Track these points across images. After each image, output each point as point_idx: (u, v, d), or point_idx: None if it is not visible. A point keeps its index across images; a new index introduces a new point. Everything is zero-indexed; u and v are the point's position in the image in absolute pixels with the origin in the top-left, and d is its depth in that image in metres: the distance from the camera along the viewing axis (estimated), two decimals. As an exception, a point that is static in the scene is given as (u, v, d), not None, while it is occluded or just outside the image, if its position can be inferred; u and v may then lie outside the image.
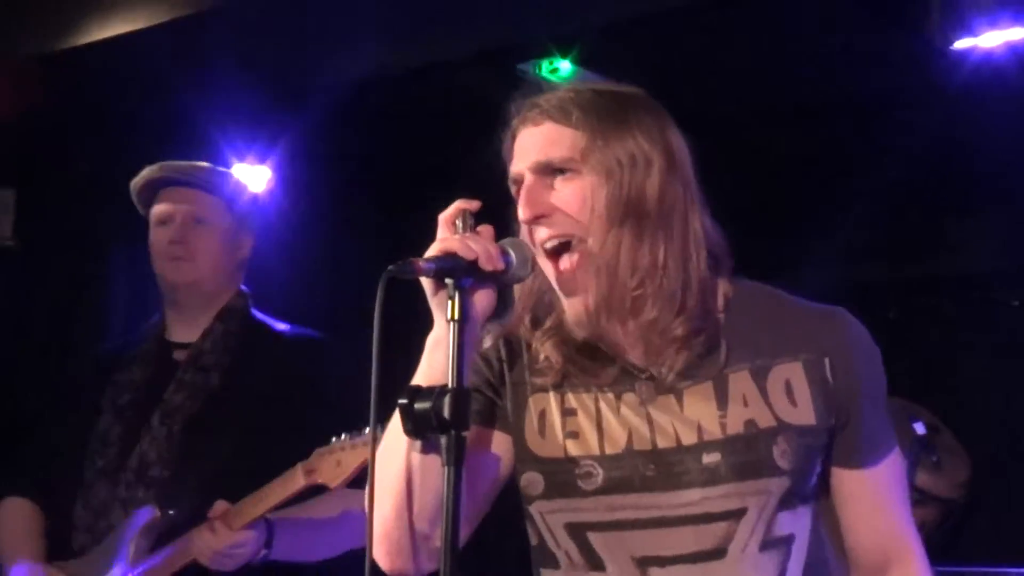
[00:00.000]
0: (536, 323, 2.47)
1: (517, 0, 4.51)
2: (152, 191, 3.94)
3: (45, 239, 5.79)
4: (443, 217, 2.35)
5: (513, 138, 2.44)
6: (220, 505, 3.42)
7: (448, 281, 2.22)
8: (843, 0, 4.90)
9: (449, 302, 2.20)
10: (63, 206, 5.79)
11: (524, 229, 2.41)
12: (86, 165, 5.65)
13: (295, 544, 3.53)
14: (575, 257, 2.35)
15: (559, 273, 2.37)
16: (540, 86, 2.48)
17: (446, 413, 2.12)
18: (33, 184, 5.66)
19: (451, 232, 2.32)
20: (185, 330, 3.86)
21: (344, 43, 4.73)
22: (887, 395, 2.49)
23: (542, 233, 2.37)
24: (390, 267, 2.17)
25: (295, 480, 3.38)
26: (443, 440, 2.13)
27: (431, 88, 5.39)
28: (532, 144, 2.39)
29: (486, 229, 2.33)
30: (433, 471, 2.20)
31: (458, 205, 2.34)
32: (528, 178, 2.38)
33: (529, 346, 2.49)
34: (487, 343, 2.52)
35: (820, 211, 5.98)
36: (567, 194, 2.35)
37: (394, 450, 2.30)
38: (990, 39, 4.49)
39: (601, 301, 2.34)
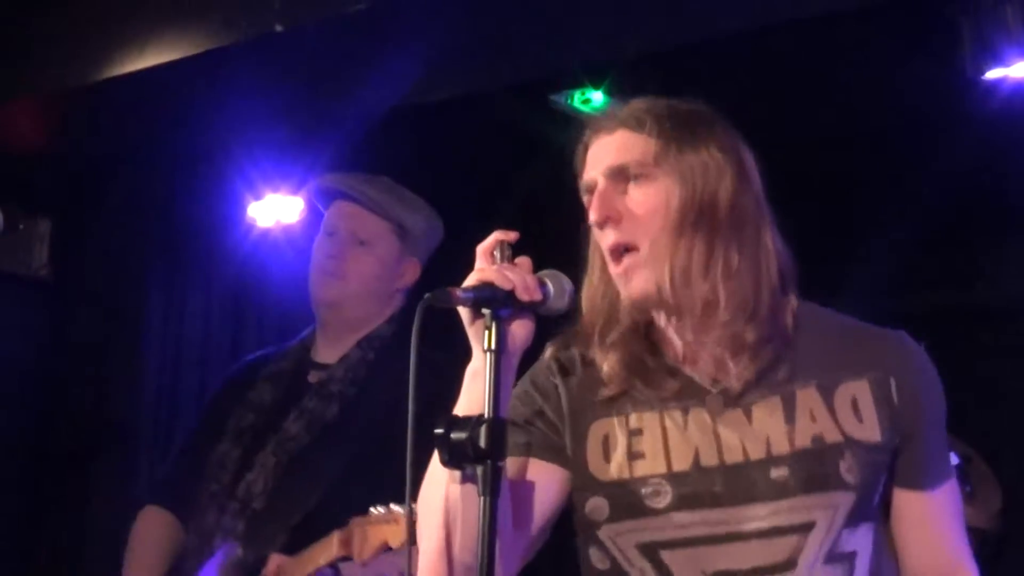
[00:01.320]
0: (603, 335, 2.49)
1: (550, 32, 4.51)
2: (328, 198, 3.89)
3: (80, 270, 5.81)
4: (481, 248, 2.37)
5: (586, 149, 2.49)
6: (275, 559, 3.37)
7: (485, 311, 2.23)
8: (875, 31, 4.90)
9: (486, 332, 2.22)
10: (99, 237, 5.81)
11: (595, 234, 2.45)
12: (121, 196, 5.68)
13: None
14: (641, 259, 2.38)
15: (625, 273, 2.40)
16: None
17: (482, 443, 2.14)
18: (69, 215, 5.68)
19: (489, 263, 2.34)
20: (328, 351, 3.80)
21: (377, 73, 4.73)
22: None
23: (610, 238, 2.41)
24: (427, 295, 2.19)
25: (330, 549, 3.34)
26: (479, 470, 2.15)
27: (465, 118, 5.40)
28: (606, 151, 2.44)
29: (524, 260, 2.35)
30: (471, 501, 2.21)
31: (496, 236, 2.37)
32: (601, 183, 2.43)
33: (588, 362, 2.51)
34: (543, 356, 2.55)
35: (853, 241, 5.97)
36: (640, 199, 2.40)
37: (436, 483, 2.31)
38: (1021, 69, 4.48)
39: (671, 302, 2.38)
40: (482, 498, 2.13)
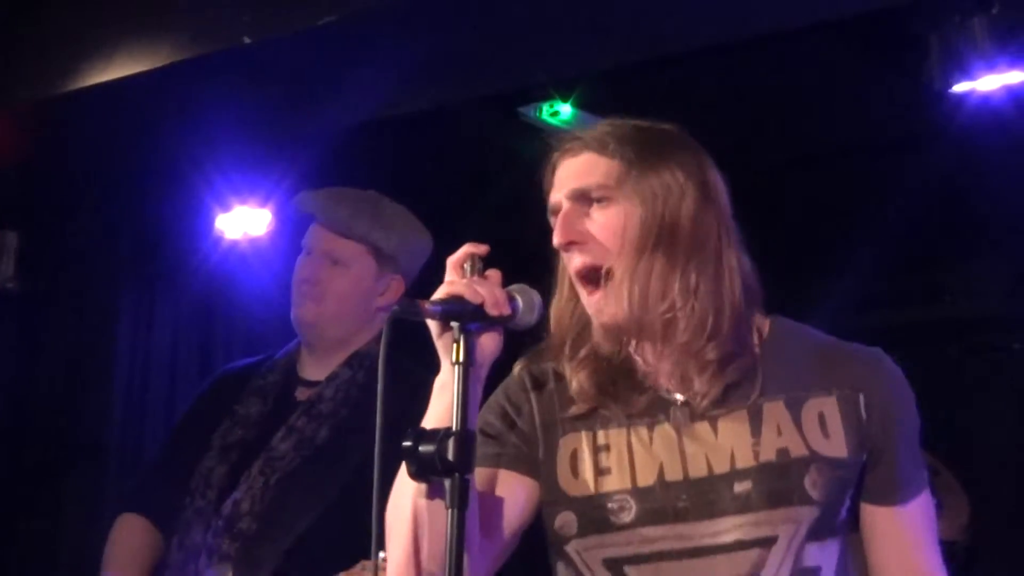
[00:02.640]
0: (572, 352, 2.50)
1: (518, 45, 4.52)
2: (301, 214, 3.86)
3: (49, 283, 5.80)
4: (451, 261, 2.38)
5: (552, 170, 2.51)
6: None
7: (454, 324, 2.24)
8: (841, 46, 4.93)
9: (454, 345, 2.22)
10: (67, 250, 5.80)
11: (563, 256, 2.47)
12: (90, 208, 5.67)
13: None
14: (607, 282, 2.40)
15: (591, 297, 2.42)
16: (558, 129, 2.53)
17: (450, 456, 2.14)
18: (37, 227, 5.67)
19: (459, 275, 2.35)
20: (315, 368, 3.76)
21: (347, 86, 4.74)
22: None
23: (576, 260, 2.44)
24: (395, 308, 2.20)
25: None
26: (447, 483, 2.15)
27: (434, 131, 5.41)
28: (570, 173, 2.46)
29: (494, 274, 2.36)
30: (441, 515, 2.21)
31: (466, 249, 2.38)
32: (565, 205, 2.45)
33: (559, 377, 2.52)
34: (515, 369, 2.56)
35: (820, 257, 6.00)
36: (601, 221, 2.42)
37: (403, 495, 2.32)
38: (988, 83, 4.51)
39: (633, 324, 2.40)
40: (450, 511, 2.13)
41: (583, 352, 2.49)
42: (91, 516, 4.44)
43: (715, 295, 2.41)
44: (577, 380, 2.48)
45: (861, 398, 2.42)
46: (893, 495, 2.45)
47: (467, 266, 2.35)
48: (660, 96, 5.24)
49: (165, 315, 5.88)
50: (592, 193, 2.44)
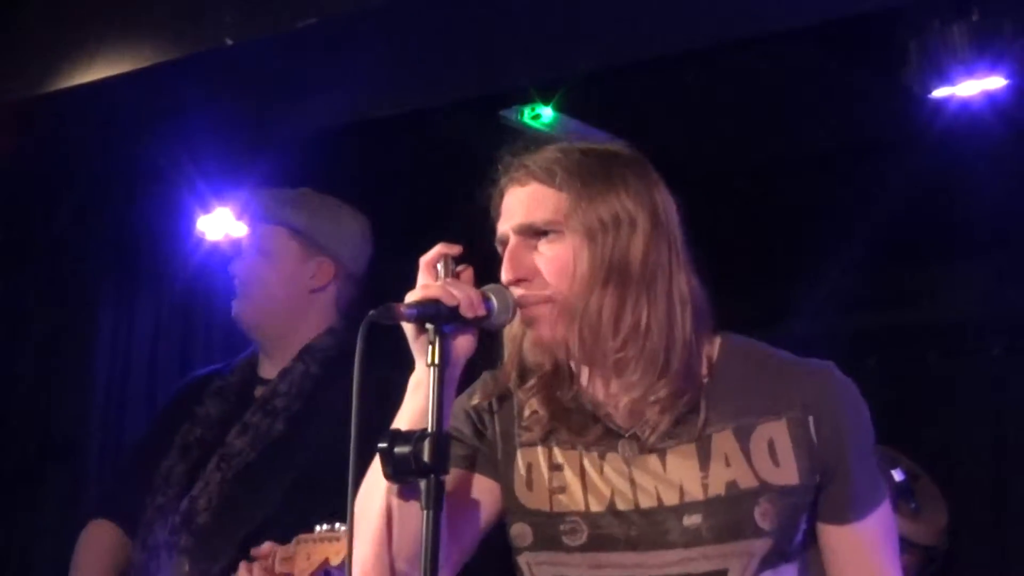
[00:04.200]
0: (523, 378, 2.49)
1: (500, 47, 4.53)
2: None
3: (28, 284, 5.79)
4: (424, 261, 2.38)
5: (501, 196, 2.48)
6: (267, 546, 3.28)
7: (429, 327, 2.24)
8: (822, 51, 4.94)
9: (429, 347, 2.22)
10: (47, 250, 5.79)
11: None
12: (70, 209, 5.66)
13: None
14: (554, 317, 2.37)
15: (530, 319, 2.40)
16: (527, 144, 2.51)
17: (425, 457, 2.15)
18: (16, 226, 5.66)
19: (432, 276, 2.35)
20: (270, 366, 3.76)
21: (327, 88, 4.75)
22: None
23: (521, 293, 2.40)
24: (371, 312, 2.20)
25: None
26: (422, 484, 2.16)
27: (414, 133, 5.42)
28: (517, 205, 2.43)
29: (467, 273, 2.37)
30: (412, 513, 2.23)
31: (440, 249, 2.38)
32: (512, 240, 2.42)
33: (517, 407, 2.51)
34: (475, 400, 2.54)
35: (801, 261, 6.01)
36: (549, 257, 2.39)
37: (374, 491, 2.32)
38: (967, 88, 4.53)
39: (583, 359, 2.39)
40: (425, 511, 2.14)
41: (534, 380, 2.48)
42: (68, 516, 4.43)
43: (666, 331, 2.39)
44: (529, 406, 2.48)
45: (811, 420, 2.40)
46: (848, 513, 2.45)
47: (440, 266, 2.35)
48: (641, 100, 5.30)
49: (146, 315, 5.87)
50: (539, 227, 2.41)
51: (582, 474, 2.43)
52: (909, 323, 6.46)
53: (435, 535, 2.12)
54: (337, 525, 3.16)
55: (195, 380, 4.00)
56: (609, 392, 2.43)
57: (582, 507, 2.41)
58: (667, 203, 2.48)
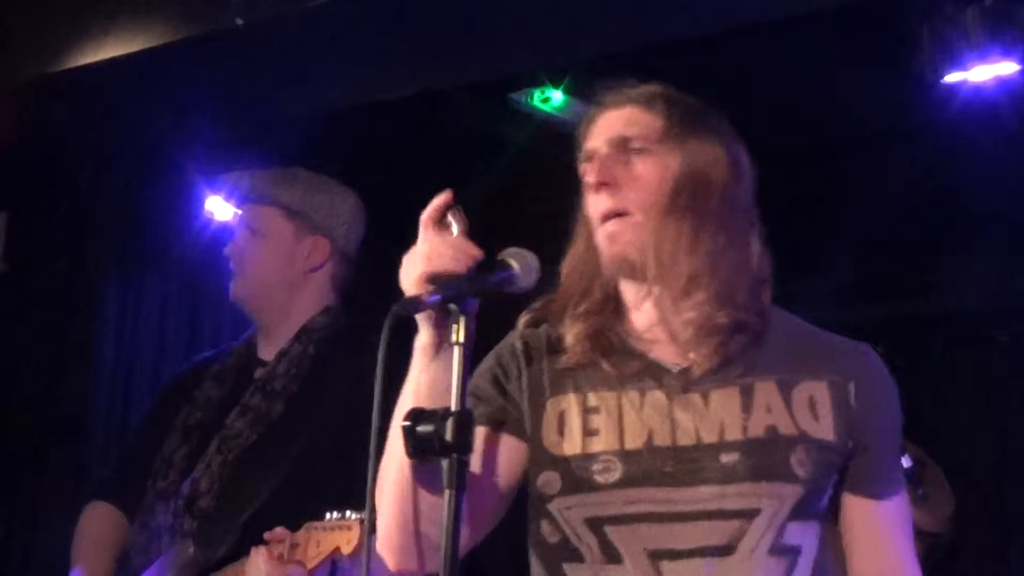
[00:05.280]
0: (575, 306, 2.53)
1: (509, 31, 4.54)
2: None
3: (37, 263, 5.81)
4: (426, 218, 2.37)
5: (590, 122, 2.55)
6: (280, 530, 3.25)
7: (453, 307, 2.24)
8: (833, 35, 4.94)
9: (454, 327, 2.22)
10: (56, 230, 5.81)
11: (589, 200, 2.49)
12: (79, 189, 5.67)
13: None
14: (630, 223, 2.44)
15: (612, 234, 2.45)
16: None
17: (448, 436, 2.15)
18: (26, 208, 5.67)
19: (435, 234, 2.34)
20: (268, 347, 3.76)
21: (336, 70, 4.75)
22: None
23: (604, 203, 2.46)
24: (395, 306, 2.19)
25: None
26: (444, 463, 2.16)
27: (424, 115, 5.43)
28: (612, 122, 2.51)
29: (457, 218, 2.36)
30: (432, 480, 2.25)
31: (440, 202, 2.37)
32: (604, 149, 2.49)
33: (553, 342, 2.54)
34: (518, 325, 2.58)
35: (810, 248, 6.01)
36: (640, 169, 2.46)
37: (396, 456, 2.33)
38: (980, 73, 4.53)
39: (656, 276, 2.43)
40: (447, 491, 2.14)
41: (584, 306, 2.52)
42: (73, 496, 4.45)
43: (738, 265, 2.46)
44: (573, 333, 2.50)
45: (852, 386, 2.46)
46: (874, 487, 2.48)
47: (452, 220, 2.34)
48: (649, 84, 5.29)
49: (153, 295, 5.88)
50: (633, 143, 2.48)
51: (619, 413, 2.45)
52: (919, 312, 6.47)
53: (456, 513, 2.11)
54: (348, 513, 3.15)
55: (194, 364, 4.00)
56: (667, 318, 2.47)
57: (617, 446, 2.42)
58: (748, 165, 2.56)
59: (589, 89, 2.60)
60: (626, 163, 2.47)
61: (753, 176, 2.57)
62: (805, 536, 2.41)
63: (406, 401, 2.32)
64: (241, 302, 3.76)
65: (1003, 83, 4.60)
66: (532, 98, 5.28)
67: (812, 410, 2.44)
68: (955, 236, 6.17)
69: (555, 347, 2.54)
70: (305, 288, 3.78)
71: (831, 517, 2.50)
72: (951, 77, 4.56)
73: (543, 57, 4.84)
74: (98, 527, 3.84)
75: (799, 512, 2.39)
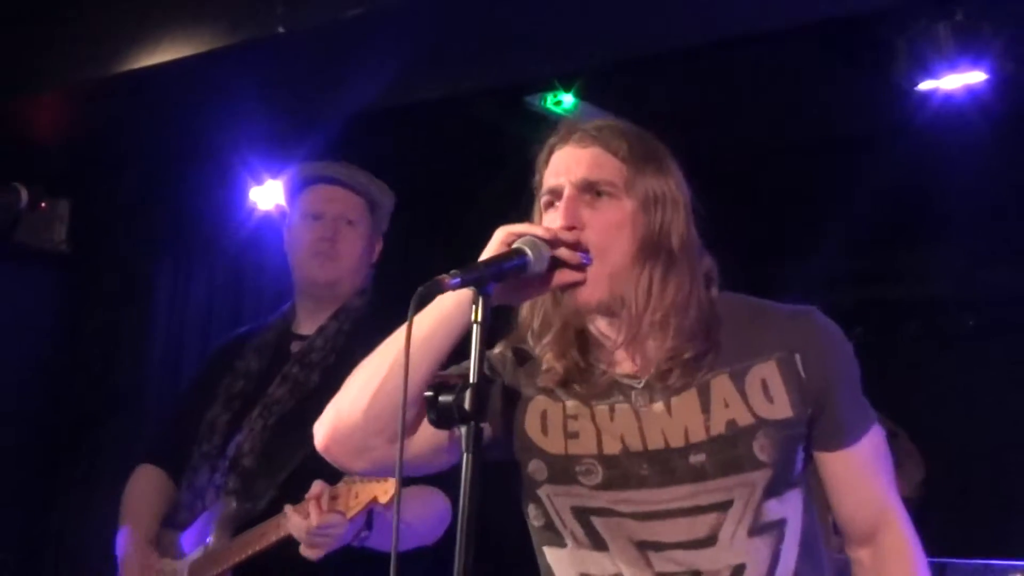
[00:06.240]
0: (541, 333, 2.48)
1: (524, 38, 4.54)
2: (303, 184, 3.81)
3: (96, 248, 5.83)
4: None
5: (550, 152, 2.47)
6: (318, 485, 3.24)
7: (472, 289, 2.23)
8: (818, 46, 4.95)
9: (473, 307, 2.22)
10: (114, 218, 5.83)
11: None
12: (135, 180, 5.69)
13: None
14: (602, 280, 2.37)
15: (585, 300, 2.38)
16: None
17: (467, 405, 2.16)
18: (87, 197, 5.69)
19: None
20: (307, 323, 3.75)
21: (366, 74, 4.75)
22: None
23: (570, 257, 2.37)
24: (420, 289, 2.17)
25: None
26: (463, 430, 2.16)
27: (446, 116, 5.44)
28: (577, 162, 2.42)
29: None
30: (407, 381, 2.20)
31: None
32: (568, 190, 2.40)
33: (523, 357, 2.53)
34: (498, 349, 2.57)
35: (793, 241, 6.02)
36: (606, 214, 2.39)
37: (384, 355, 2.41)
38: (950, 82, 4.54)
39: (626, 321, 2.39)
40: (465, 454, 2.14)
41: (548, 336, 2.47)
42: (127, 460, 4.47)
43: (697, 301, 2.41)
44: (547, 360, 2.48)
45: (797, 358, 2.40)
46: (840, 439, 2.45)
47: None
48: (650, 89, 5.30)
49: (201, 277, 5.91)
50: (600, 187, 2.39)
51: (594, 422, 2.43)
52: (892, 298, 6.48)
53: (475, 477, 2.12)
54: None
55: (234, 338, 4.01)
56: (634, 351, 2.43)
57: (595, 450, 2.41)
58: (688, 192, 2.48)
59: (598, 93, 2.59)
60: (591, 206, 2.39)
61: (693, 205, 2.48)
62: (786, 508, 2.40)
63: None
64: (326, 285, 3.73)
65: (971, 91, 4.61)
66: (545, 101, 5.29)
67: (766, 393, 2.39)
68: (926, 229, 6.17)
69: (528, 366, 2.52)
70: (366, 277, 3.80)
71: (810, 476, 2.47)
72: (924, 85, 4.58)
73: (556, 63, 4.84)
74: (145, 488, 3.85)
75: (773, 490, 2.37)
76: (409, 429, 2.36)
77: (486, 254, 2.33)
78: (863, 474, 2.49)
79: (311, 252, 3.73)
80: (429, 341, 2.34)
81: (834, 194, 5.89)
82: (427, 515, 3.41)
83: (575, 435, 2.44)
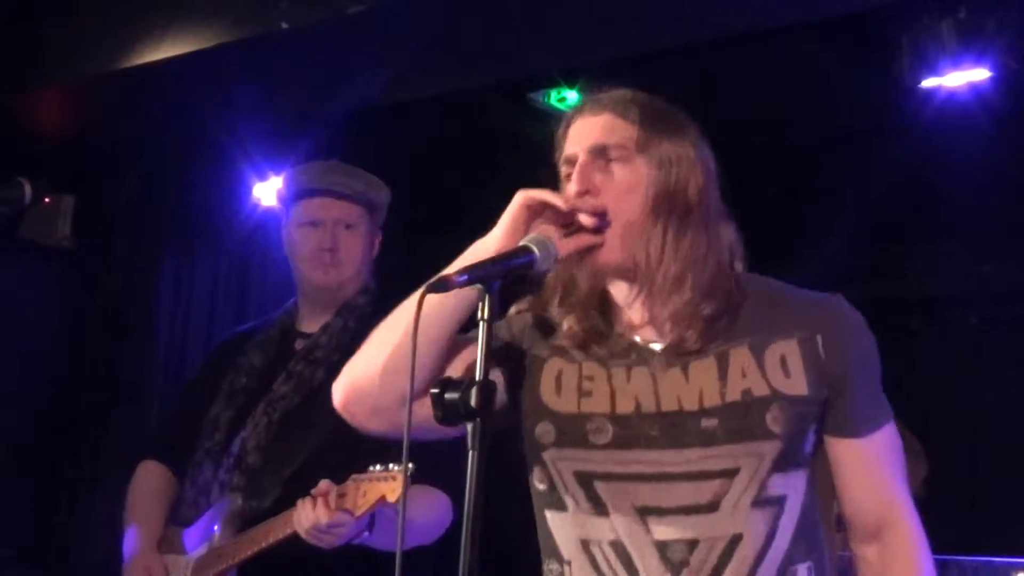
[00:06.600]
0: (563, 297, 2.50)
1: (528, 35, 4.55)
2: (298, 196, 3.79)
3: (99, 242, 5.84)
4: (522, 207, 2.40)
5: (568, 125, 2.50)
6: (325, 484, 3.24)
7: (479, 286, 2.24)
8: (823, 43, 4.95)
9: (480, 304, 2.23)
10: (118, 212, 5.84)
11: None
12: (139, 175, 5.70)
13: (393, 530, 3.29)
14: (617, 240, 2.40)
15: (603, 262, 2.41)
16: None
17: (473, 403, 2.15)
18: (90, 192, 5.70)
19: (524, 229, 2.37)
20: (313, 320, 3.75)
21: (369, 71, 4.76)
22: None
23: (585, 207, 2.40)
24: (427, 285, 2.18)
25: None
26: (469, 427, 2.16)
27: (450, 112, 5.44)
28: (590, 130, 2.45)
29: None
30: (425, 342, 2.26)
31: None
32: (583, 157, 2.43)
33: (542, 321, 2.54)
34: (515, 309, 2.59)
35: (798, 237, 6.02)
36: (619, 177, 2.41)
37: (399, 319, 2.41)
38: (954, 79, 4.54)
39: (643, 278, 2.41)
40: (471, 452, 2.14)
41: (572, 299, 2.49)
42: (130, 454, 4.49)
43: (715, 260, 2.43)
44: (567, 322, 2.49)
45: (819, 339, 2.42)
46: (852, 428, 2.45)
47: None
48: (655, 85, 5.30)
49: (205, 272, 5.92)
50: (611, 151, 2.42)
51: (610, 383, 2.44)
52: (896, 294, 6.48)
53: (480, 475, 2.12)
54: (391, 465, 3.16)
55: (237, 334, 4.01)
56: (653, 311, 2.45)
57: (608, 409, 2.42)
58: (712, 159, 2.51)
59: (600, 89, 2.59)
60: (604, 170, 2.42)
61: (718, 172, 2.51)
62: (789, 485, 2.40)
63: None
64: (329, 290, 3.74)
65: (975, 88, 4.61)
66: (549, 97, 5.29)
67: (784, 368, 2.40)
68: (929, 226, 6.18)
69: (547, 330, 2.54)
70: (366, 275, 3.81)
71: (817, 461, 2.48)
72: (928, 82, 4.57)
73: (559, 60, 4.84)
74: (151, 485, 3.85)
75: (780, 465, 2.37)
76: (420, 393, 2.35)
77: (503, 219, 2.38)
78: (873, 468, 2.49)
79: (313, 261, 3.73)
80: (442, 305, 2.36)
81: (837, 191, 5.89)
82: (430, 514, 3.42)
83: (588, 393, 2.45)
